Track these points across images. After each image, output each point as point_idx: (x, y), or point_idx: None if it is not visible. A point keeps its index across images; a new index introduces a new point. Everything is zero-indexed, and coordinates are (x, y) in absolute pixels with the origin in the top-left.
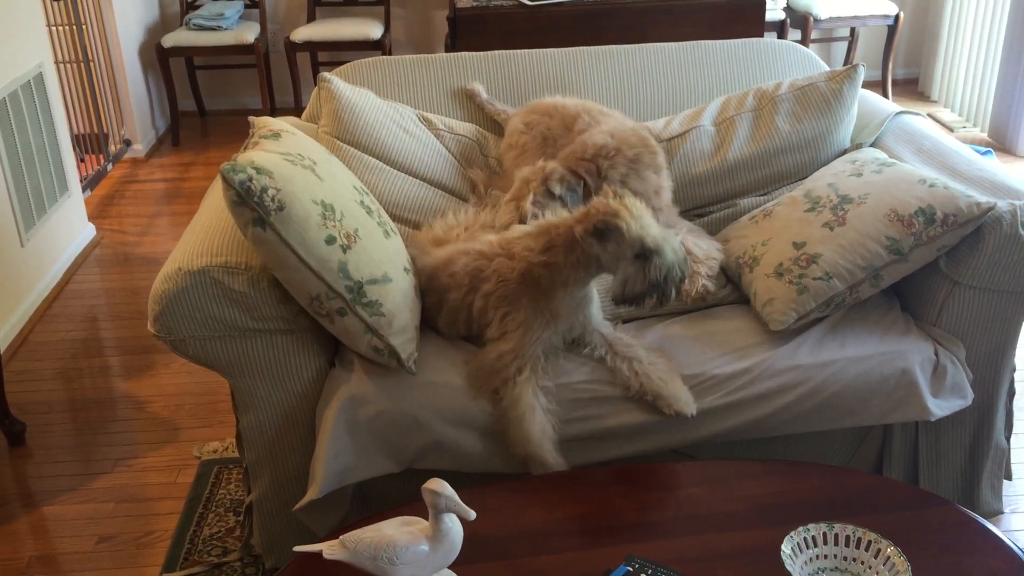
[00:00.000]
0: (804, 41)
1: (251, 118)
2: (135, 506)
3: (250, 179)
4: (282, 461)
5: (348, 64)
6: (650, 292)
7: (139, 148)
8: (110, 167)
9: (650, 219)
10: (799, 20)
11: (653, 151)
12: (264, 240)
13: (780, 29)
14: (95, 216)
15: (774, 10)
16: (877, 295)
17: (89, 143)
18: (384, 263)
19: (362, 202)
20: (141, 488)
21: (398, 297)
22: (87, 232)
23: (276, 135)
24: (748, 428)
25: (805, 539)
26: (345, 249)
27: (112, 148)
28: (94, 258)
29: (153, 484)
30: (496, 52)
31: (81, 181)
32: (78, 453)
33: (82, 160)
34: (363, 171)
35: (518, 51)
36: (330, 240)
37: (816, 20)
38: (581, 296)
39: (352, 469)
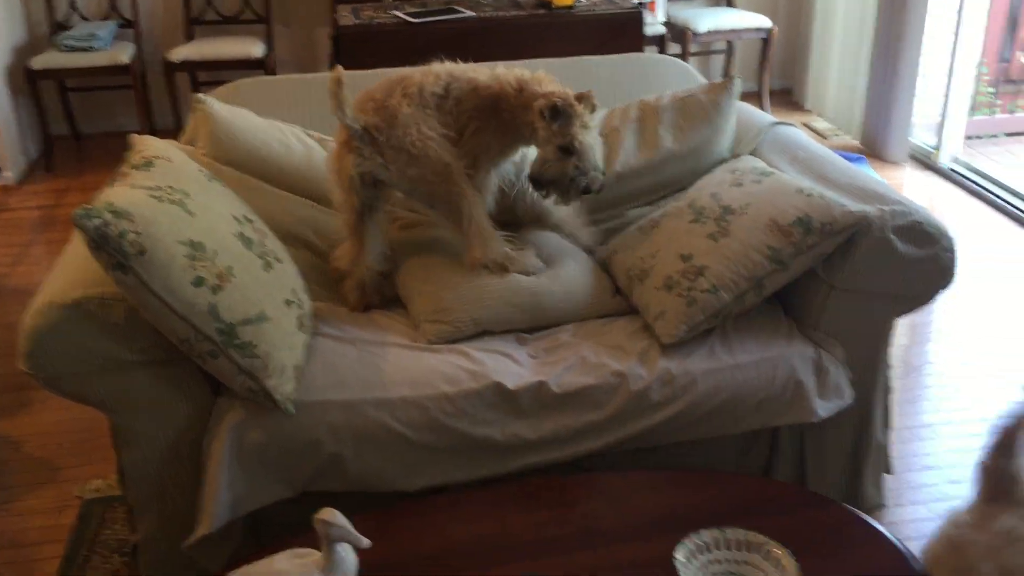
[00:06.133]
0: (684, 54)
1: (133, 136)
2: (14, 552)
3: (106, 224)
4: (169, 497)
5: (228, 85)
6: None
7: (9, 175)
8: None
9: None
10: (678, 34)
11: None
12: (126, 284)
13: (660, 43)
14: None
15: (654, 24)
16: (760, 301)
17: None
18: (262, 300)
19: (241, 234)
20: (20, 532)
21: (275, 335)
22: None
23: (149, 163)
24: (644, 436)
25: (697, 545)
26: (216, 290)
27: None
28: None
29: (33, 528)
30: (380, 70)
31: None
32: None
33: None
34: (248, 193)
35: (403, 68)
36: (198, 282)
37: (695, 34)
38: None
39: (244, 499)
